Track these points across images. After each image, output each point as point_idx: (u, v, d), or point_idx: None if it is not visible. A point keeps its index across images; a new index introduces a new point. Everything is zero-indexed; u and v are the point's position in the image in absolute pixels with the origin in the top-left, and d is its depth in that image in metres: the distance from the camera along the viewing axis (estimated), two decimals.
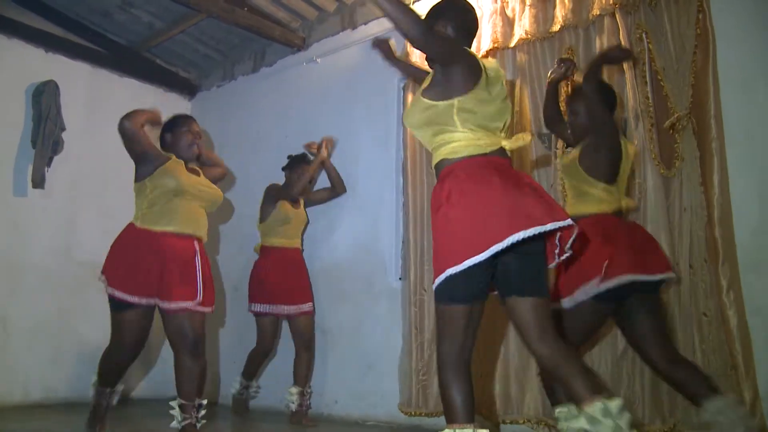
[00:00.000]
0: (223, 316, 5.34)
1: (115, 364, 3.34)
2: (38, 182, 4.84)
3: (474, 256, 2.04)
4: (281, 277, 4.30)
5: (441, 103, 2.25)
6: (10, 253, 4.75)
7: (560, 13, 3.69)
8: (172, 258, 3.20)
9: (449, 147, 2.26)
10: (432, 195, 2.27)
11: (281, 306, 4.26)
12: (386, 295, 4.36)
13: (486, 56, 4.00)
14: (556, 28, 3.70)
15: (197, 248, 3.32)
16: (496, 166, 2.22)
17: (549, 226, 2.07)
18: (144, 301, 3.17)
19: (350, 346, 4.52)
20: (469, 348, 2.18)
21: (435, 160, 2.33)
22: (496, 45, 3.94)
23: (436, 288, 2.14)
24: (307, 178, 4.43)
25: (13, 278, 4.75)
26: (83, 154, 5.17)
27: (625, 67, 3.38)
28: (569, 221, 2.12)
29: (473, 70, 2.26)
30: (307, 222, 4.69)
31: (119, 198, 5.38)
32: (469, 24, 2.46)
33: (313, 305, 4.44)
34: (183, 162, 3.40)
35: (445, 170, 2.25)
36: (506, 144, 2.28)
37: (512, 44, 3.89)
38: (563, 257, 2.20)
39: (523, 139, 2.32)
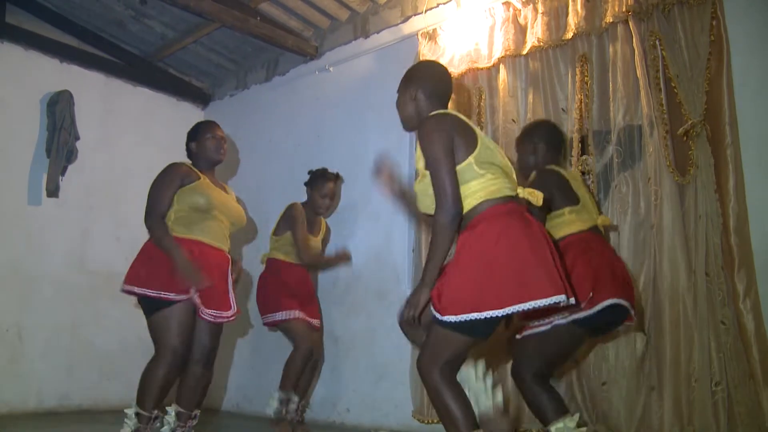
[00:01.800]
0: (247, 325, 5.34)
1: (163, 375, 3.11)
2: (53, 191, 4.88)
3: (518, 304, 2.06)
4: (293, 289, 4.15)
5: (459, 166, 2.24)
6: (24, 261, 4.78)
7: (573, 21, 3.69)
8: (210, 266, 3.16)
9: (482, 193, 2.24)
10: (472, 234, 2.21)
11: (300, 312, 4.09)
12: (399, 303, 4.32)
13: (498, 64, 4.01)
14: (568, 35, 3.70)
15: (229, 260, 3.33)
16: (528, 217, 2.25)
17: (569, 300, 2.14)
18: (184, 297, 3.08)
19: (363, 354, 4.51)
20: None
21: (465, 209, 2.25)
22: (508, 53, 3.94)
23: (461, 321, 2.10)
24: (321, 260, 4.42)
25: (28, 287, 4.78)
26: (97, 164, 5.20)
27: (639, 75, 3.37)
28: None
29: (468, 133, 2.30)
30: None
31: (133, 207, 5.41)
32: (440, 91, 2.51)
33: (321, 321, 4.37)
34: (209, 180, 3.34)
35: (487, 212, 2.22)
36: (521, 191, 2.33)
37: (524, 52, 3.89)
38: None
39: (536, 196, 2.33)
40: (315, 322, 4.20)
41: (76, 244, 5.04)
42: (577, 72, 3.66)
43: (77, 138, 5.01)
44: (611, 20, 3.52)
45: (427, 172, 2.28)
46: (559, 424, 2.56)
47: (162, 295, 3.03)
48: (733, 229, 3.05)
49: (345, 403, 4.53)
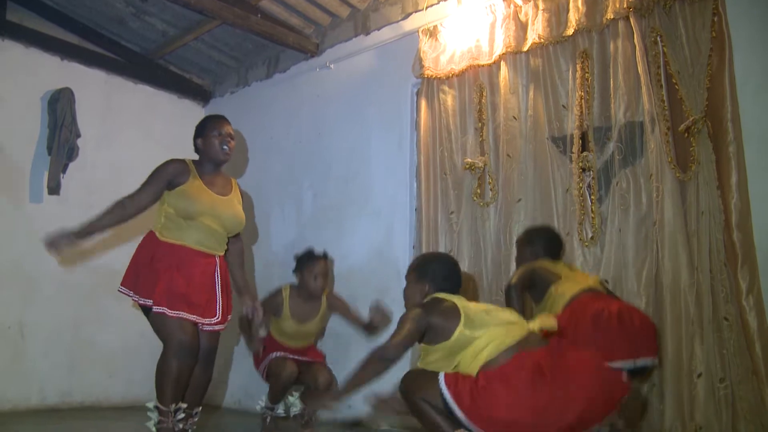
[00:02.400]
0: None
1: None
2: (54, 189, 4.88)
3: None
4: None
5: (450, 338, 2.44)
6: (26, 259, 4.78)
7: (574, 17, 3.68)
8: (194, 273, 3.11)
9: (483, 352, 2.37)
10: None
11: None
12: (400, 300, 4.32)
13: (499, 60, 4.01)
14: (569, 32, 3.69)
15: (217, 262, 3.23)
16: (539, 366, 2.30)
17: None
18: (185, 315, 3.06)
19: (363, 350, 4.46)
20: None
21: (473, 371, 2.38)
22: (509, 49, 3.94)
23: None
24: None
25: (30, 285, 4.78)
26: (98, 161, 5.21)
27: (640, 71, 3.37)
28: None
29: (449, 311, 2.51)
30: (321, 332, 4.40)
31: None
32: (448, 285, 2.72)
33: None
34: (202, 182, 3.22)
35: (492, 373, 2.32)
36: (533, 326, 2.44)
37: (525, 48, 3.88)
38: None
39: (550, 323, 2.43)
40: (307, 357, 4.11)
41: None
42: (578, 68, 3.66)
43: (78, 135, 5.01)
44: (612, 16, 3.51)
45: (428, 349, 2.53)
46: None
47: (147, 304, 3.02)
48: (736, 226, 3.05)
49: (346, 399, 4.52)
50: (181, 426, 3.12)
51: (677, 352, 3.10)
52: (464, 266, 3.96)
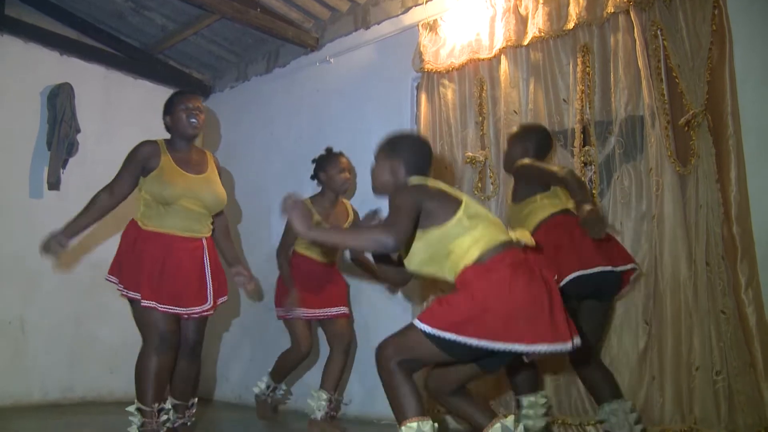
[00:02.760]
0: (237, 312, 5.37)
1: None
2: (54, 184, 4.88)
3: (496, 342, 2.12)
4: (313, 283, 3.99)
5: (446, 224, 2.30)
6: (26, 255, 4.76)
7: (574, 11, 3.68)
8: (181, 260, 3.09)
9: (480, 244, 2.27)
10: (483, 278, 2.22)
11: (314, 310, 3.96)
12: (401, 295, 4.36)
13: (499, 54, 4.00)
14: (570, 25, 3.69)
15: (204, 245, 3.20)
16: (531, 267, 2.25)
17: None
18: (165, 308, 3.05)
19: (365, 345, 4.52)
20: None
21: (464, 262, 2.28)
22: (509, 43, 3.93)
23: (434, 335, 2.16)
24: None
25: (30, 280, 4.79)
26: (98, 156, 5.19)
27: (640, 65, 3.36)
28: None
29: (446, 195, 2.37)
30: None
31: (134, 200, 5.43)
32: (420, 164, 2.54)
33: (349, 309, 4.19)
34: (174, 163, 3.18)
35: (490, 263, 2.24)
36: (512, 235, 2.37)
37: (526, 42, 3.88)
38: None
39: (527, 238, 2.37)
40: (333, 311, 4.00)
41: (77, 236, 5.04)
42: (579, 62, 3.65)
43: (78, 131, 5.01)
44: (612, 10, 3.51)
45: (425, 232, 2.33)
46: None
47: (130, 295, 3.03)
48: (735, 219, 3.05)
49: (347, 394, 4.54)
50: (179, 421, 3.13)
51: (676, 345, 3.12)
52: None
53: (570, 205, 3.04)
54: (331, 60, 5.11)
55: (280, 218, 5.19)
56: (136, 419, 2.98)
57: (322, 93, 5.18)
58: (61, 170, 4.92)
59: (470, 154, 4.02)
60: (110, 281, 3.14)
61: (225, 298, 3.27)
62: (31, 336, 4.75)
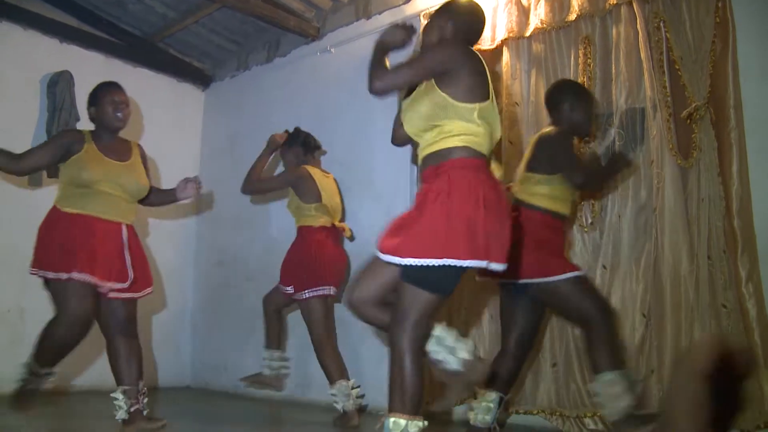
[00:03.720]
0: (236, 304, 5.37)
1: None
2: (53, 173, 4.85)
3: (484, 259, 2.13)
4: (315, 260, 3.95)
5: (463, 104, 2.26)
6: (25, 243, 4.71)
7: (576, 2, 3.66)
8: (100, 241, 3.12)
9: (470, 138, 2.26)
10: (435, 184, 2.22)
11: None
12: None
13: (501, 46, 3.98)
14: (572, 17, 3.67)
15: (124, 230, 3.24)
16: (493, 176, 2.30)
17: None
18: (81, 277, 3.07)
19: (364, 336, 4.51)
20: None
21: (446, 144, 2.28)
22: (511, 35, 3.91)
23: (422, 271, 2.12)
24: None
25: (28, 269, 4.77)
26: None
27: (642, 57, 3.35)
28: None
29: (483, 81, 2.33)
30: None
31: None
32: (470, 31, 2.51)
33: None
34: (98, 150, 3.23)
35: (460, 161, 2.24)
36: (494, 167, 2.39)
37: (528, 34, 3.86)
38: None
39: (498, 172, 2.42)
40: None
41: None
42: (580, 54, 3.64)
43: (77, 119, 4.98)
44: (615, 2, 3.50)
45: (423, 88, 2.34)
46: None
47: (48, 276, 3.09)
48: (737, 213, 3.05)
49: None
50: (136, 407, 3.14)
51: (676, 338, 3.11)
52: None
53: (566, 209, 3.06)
54: (332, 50, 5.09)
55: (280, 207, 5.19)
56: (25, 374, 3.19)
57: (322, 83, 5.16)
58: None
59: None
60: (33, 274, 3.21)
61: (150, 289, 3.32)
62: (30, 324, 4.72)
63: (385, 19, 4.71)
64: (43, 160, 3.20)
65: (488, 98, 2.31)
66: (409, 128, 2.39)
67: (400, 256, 2.15)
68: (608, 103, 3.55)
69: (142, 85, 5.58)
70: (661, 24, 3.36)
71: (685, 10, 3.30)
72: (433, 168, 2.27)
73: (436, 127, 2.29)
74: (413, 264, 2.12)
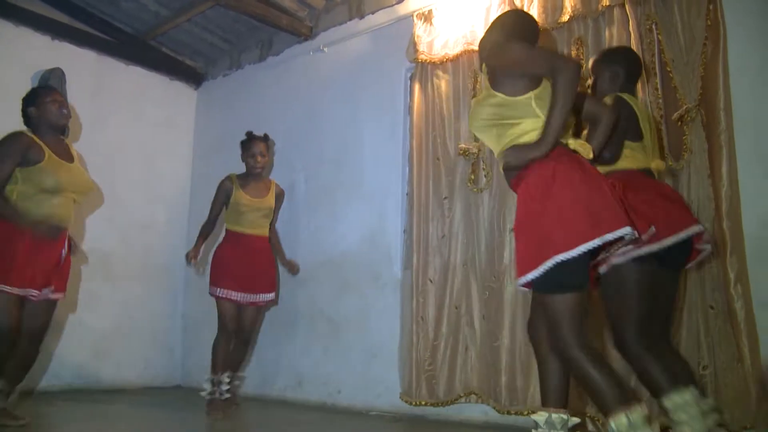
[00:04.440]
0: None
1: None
2: None
3: (589, 241, 2.07)
4: (245, 263, 4.16)
5: (519, 98, 2.29)
6: None
7: (569, 4, 3.67)
8: (54, 247, 3.24)
9: (534, 134, 2.26)
10: (529, 182, 2.22)
11: (241, 293, 4.14)
12: (391, 285, 4.36)
13: None
14: (564, 18, 3.68)
15: (66, 239, 3.37)
16: (578, 157, 2.28)
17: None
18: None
19: (355, 336, 4.52)
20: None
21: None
22: None
23: (545, 278, 2.11)
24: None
25: None
26: (89, 142, 5.16)
27: None
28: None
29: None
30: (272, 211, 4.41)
31: (125, 185, 5.41)
32: (529, 38, 2.48)
33: (276, 296, 4.41)
34: (54, 154, 3.31)
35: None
36: (571, 143, 2.32)
37: None
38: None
39: (586, 149, 2.31)
40: (258, 297, 4.21)
41: None
42: (573, 55, 3.64)
43: (69, 116, 4.96)
44: (608, 3, 3.50)
45: (491, 92, 2.34)
46: (676, 398, 2.40)
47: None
48: (726, 215, 3.05)
49: (336, 384, 4.55)
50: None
51: None
52: (457, 252, 3.97)
53: (654, 164, 2.74)
54: (325, 49, 5.09)
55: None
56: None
57: (315, 82, 5.16)
58: None
59: (463, 145, 4.00)
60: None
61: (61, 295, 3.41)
62: None
63: (378, 19, 4.72)
64: (8, 172, 3.21)
65: (539, 83, 2.33)
66: (478, 131, 2.47)
67: (519, 277, 2.17)
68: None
69: (134, 83, 5.58)
70: (653, 26, 3.37)
71: (677, 12, 3.31)
72: (519, 181, 2.31)
73: (516, 126, 2.33)
74: (533, 277, 2.13)
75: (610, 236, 2.07)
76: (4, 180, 3.18)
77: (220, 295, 4.10)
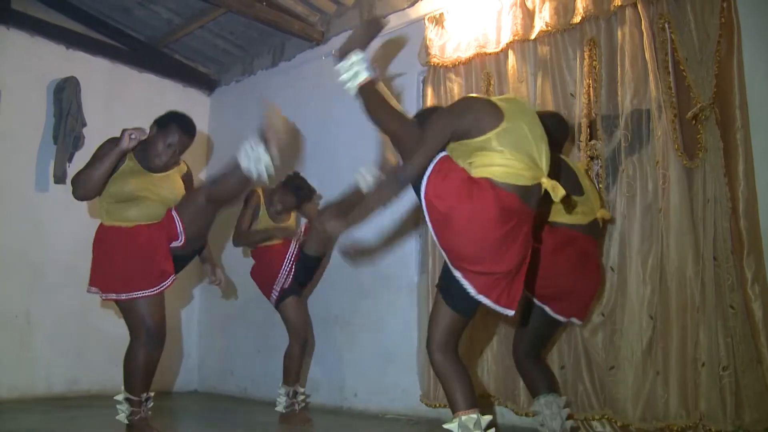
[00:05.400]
0: (241, 306, 5.37)
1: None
2: (60, 178, 4.88)
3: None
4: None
5: (476, 139, 2.38)
6: (32, 248, 4.80)
7: (581, 5, 3.65)
8: (135, 248, 3.16)
9: (490, 170, 2.35)
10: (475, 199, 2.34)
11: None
12: (407, 289, 4.36)
13: (506, 49, 3.98)
14: (577, 19, 3.66)
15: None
16: (524, 214, 2.39)
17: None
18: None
19: (370, 339, 4.52)
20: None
21: (474, 172, 2.39)
22: (516, 37, 3.91)
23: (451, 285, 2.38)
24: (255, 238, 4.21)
25: (36, 273, 4.80)
26: None
27: (647, 58, 3.34)
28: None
29: (487, 112, 2.41)
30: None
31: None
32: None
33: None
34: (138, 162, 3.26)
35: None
36: (545, 182, 2.40)
37: (533, 36, 3.85)
38: None
39: (557, 192, 2.40)
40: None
41: (83, 229, 5.00)
42: (586, 56, 3.63)
43: (84, 124, 5.01)
44: (620, 3, 3.48)
45: (461, 143, 2.43)
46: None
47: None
48: (743, 214, 3.03)
49: (352, 387, 4.55)
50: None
51: (682, 340, 3.09)
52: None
53: (599, 214, 3.16)
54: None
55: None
56: (124, 408, 3.10)
57: (327, 87, 5.15)
58: (67, 164, 4.92)
59: None
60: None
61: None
62: (37, 329, 4.76)
63: (390, 23, 4.70)
64: (110, 166, 3.17)
65: (500, 122, 2.38)
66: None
67: None
68: (614, 105, 3.53)
69: (147, 90, 5.62)
70: (666, 25, 3.35)
71: (690, 11, 3.29)
72: None
73: (479, 153, 2.45)
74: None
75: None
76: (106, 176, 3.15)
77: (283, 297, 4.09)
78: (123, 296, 3.10)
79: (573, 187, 2.98)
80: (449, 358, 2.44)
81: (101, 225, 3.24)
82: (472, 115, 2.39)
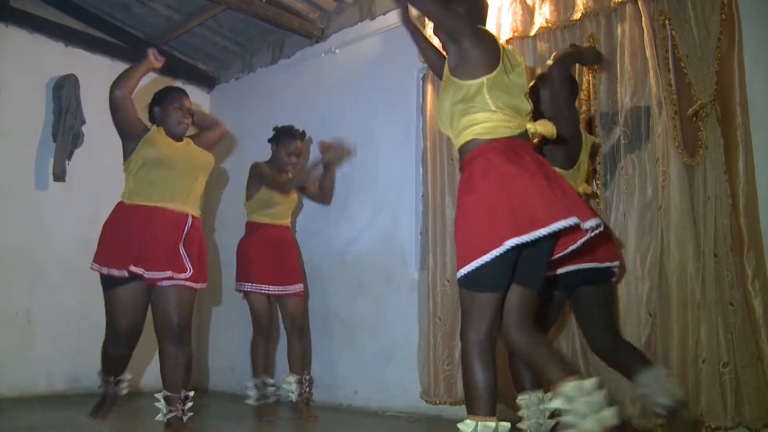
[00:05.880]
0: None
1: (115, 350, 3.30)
2: (59, 176, 4.88)
3: (516, 236, 2.09)
4: (268, 255, 4.15)
5: (471, 82, 2.29)
6: (32, 246, 4.79)
7: (581, 1, 3.64)
8: (161, 230, 3.18)
9: (480, 127, 2.29)
10: (463, 177, 2.30)
11: (268, 286, 4.11)
12: (406, 286, 4.36)
13: (505, 45, 3.97)
14: (576, 16, 3.66)
15: (188, 223, 3.31)
16: (527, 150, 2.28)
17: (589, 223, 2.17)
18: (132, 269, 3.15)
19: (370, 336, 4.52)
20: (496, 336, 2.23)
21: (462, 140, 2.34)
22: (516, 34, 3.90)
23: (467, 275, 2.16)
24: (300, 179, 4.26)
25: (36, 271, 4.80)
26: (103, 147, 5.17)
27: (647, 55, 3.33)
28: (599, 221, 2.21)
29: (491, 48, 2.33)
30: (299, 204, 4.52)
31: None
32: (480, 10, 2.55)
33: (305, 288, 4.37)
34: (163, 130, 3.35)
35: (477, 150, 2.27)
36: (530, 126, 2.33)
37: (532, 33, 3.85)
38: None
39: (546, 126, 2.32)
40: (290, 289, 4.18)
41: (83, 228, 5.04)
42: None
43: (83, 122, 5.01)
44: (620, 0, 3.48)
45: (451, 79, 2.34)
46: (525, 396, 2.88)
47: (103, 270, 3.30)
48: (743, 210, 3.03)
49: (352, 385, 4.55)
50: (172, 414, 3.20)
51: (682, 337, 3.09)
52: None
53: (581, 188, 3.13)
54: (337, 51, 5.09)
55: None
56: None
57: (327, 84, 5.16)
58: (67, 162, 4.92)
59: None
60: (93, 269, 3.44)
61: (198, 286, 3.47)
62: (37, 328, 4.76)
63: (390, 20, 4.70)
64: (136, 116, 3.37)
65: (495, 66, 2.31)
66: (443, 127, 2.47)
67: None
68: (613, 101, 3.53)
69: (147, 87, 5.59)
70: (667, 22, 3.34)
71: (690, 7, 3.27)
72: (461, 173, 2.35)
73: (468, 114, 2.34)
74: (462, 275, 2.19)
75: (539, 232, 2.08)
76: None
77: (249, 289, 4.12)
78: (97, 267, 3.25)
79: (568, 159, 3.03)
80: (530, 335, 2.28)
81: (120, 203, 3.30)
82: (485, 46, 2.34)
